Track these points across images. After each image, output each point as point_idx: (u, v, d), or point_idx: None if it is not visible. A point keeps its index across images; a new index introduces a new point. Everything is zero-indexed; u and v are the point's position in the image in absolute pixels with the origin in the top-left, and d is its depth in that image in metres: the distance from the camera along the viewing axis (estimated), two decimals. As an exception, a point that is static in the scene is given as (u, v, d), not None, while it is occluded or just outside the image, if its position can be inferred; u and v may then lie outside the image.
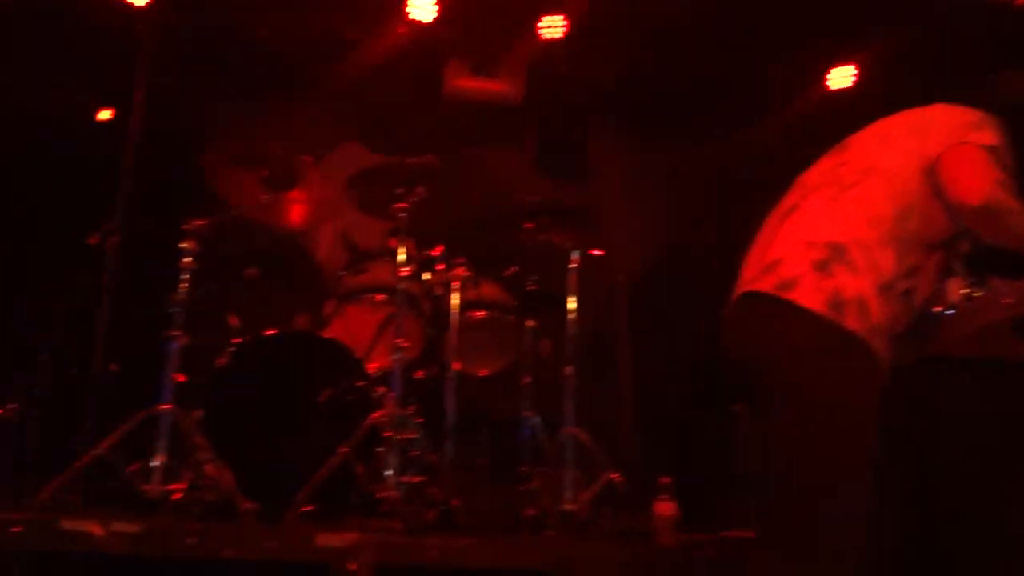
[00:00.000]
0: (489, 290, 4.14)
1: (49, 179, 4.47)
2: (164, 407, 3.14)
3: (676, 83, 5.41)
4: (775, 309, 2.14)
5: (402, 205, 3.62)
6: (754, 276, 2.23)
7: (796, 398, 2.11)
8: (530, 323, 4.06)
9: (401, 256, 3.59)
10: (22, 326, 3.88)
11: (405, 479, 3.17)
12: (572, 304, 3.96)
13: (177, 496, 3.04)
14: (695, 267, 5.29)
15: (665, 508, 3.36)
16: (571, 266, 3.99)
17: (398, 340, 3.46)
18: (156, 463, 3.07)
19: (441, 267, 4.06)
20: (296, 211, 3.99)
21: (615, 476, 3.63)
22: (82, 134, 4.57)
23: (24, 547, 2.58)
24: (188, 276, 3.35)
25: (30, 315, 3.93)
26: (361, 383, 3.42)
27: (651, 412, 5.31)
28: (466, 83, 5.44)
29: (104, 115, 4.15)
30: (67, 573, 2.96)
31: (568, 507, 3.54)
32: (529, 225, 4.01)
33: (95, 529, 2.52)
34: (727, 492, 4.10)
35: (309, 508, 3.03)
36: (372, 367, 3.57)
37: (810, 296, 2.09)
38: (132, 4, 4.51)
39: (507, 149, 5.77)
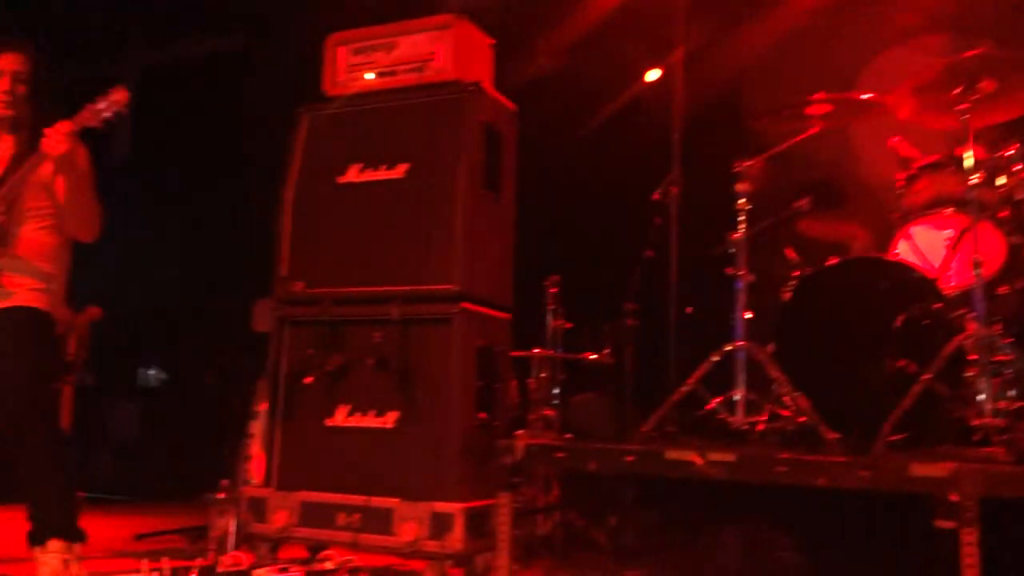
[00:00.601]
0: (1083, 185, 3.56)
1: (613, 142, 4.94)
2: (738, 344, 3.31)
3: None
4: None
5: (963, 106, 3.29)
6: None
7: None
8: None
9: (968, 162, 3.27)
10: (606, 282, 4.36)
11: (1003, 405, 2.90)
12: None
13: (760, 427, 3.20)
14: None
15: None
16: None
17: (975, 255, 3.17)
18: (737, 397, 3.26)
19: (1018, 167, 3.60)
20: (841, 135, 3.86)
21: None
22: (632, 99, 4.96)
23: (634, 472, 2.94)
24: (744, 216, 3.46)
25: (611, 270, 4.40)
26: (937, 305, 3.20)
27: None
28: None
29: (652, 75, 4.43)
30: (665, 494, 3.31)
31: None
32: None
33: (695, 458, 2.76)
34: None
35: (897, 438, 2.95)
36: (947, 287, 3.33)
37: None
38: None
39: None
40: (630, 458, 2.89)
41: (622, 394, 3.97)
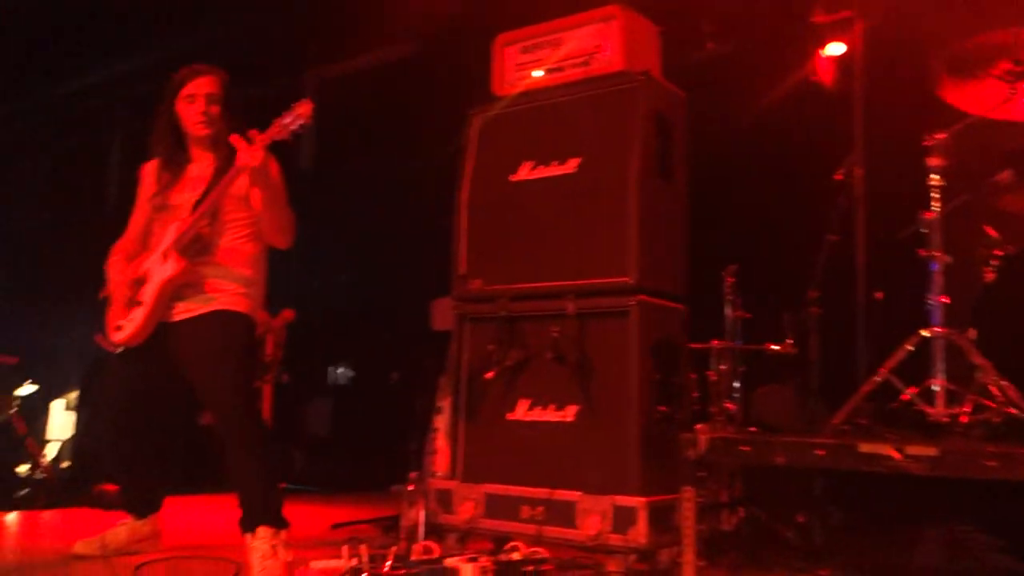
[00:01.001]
0: None
1: (791, 122, 4.76)
2: (935, 330, 3.11)
3: None
4: None
5: None
6: None
7: None
8: None
9: None
10: (788, 269, 4.20)
11: None
12: None
13: (963, 419, 2.99)
14: None
15: None
16: None
17: None
18: (936, 386, 3.06)
19: None
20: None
21: None
22: (809, 75, 4.76)
23: (824, 466, 2.81)
24: (938, 193, 3.25)
25: (793, 256, 4.24)
26: None
27: None
28: None
29: (833, 49, 4.20)
30: (854, 489, 3.15)
31: None
32: None
33: (893, 452, 2.62)
34: None
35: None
36: None
37: None
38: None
39: None
40: (821, 452, 2.77)
41: (807, 385, 3.82)
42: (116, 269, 3.55)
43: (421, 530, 3.44)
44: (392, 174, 7.11)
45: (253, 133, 3.22)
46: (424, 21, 6.42)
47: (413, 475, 3.70)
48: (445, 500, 3.65)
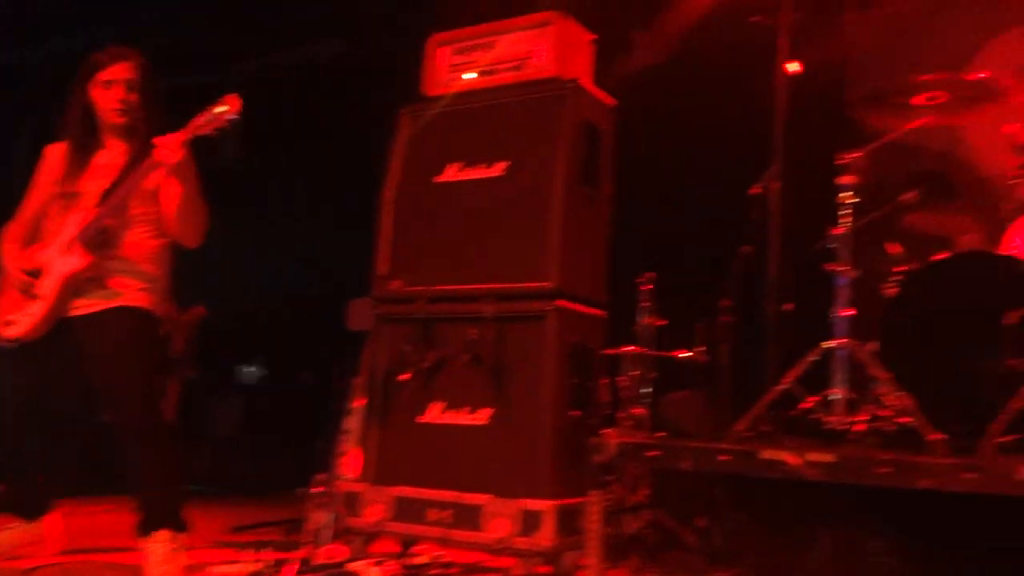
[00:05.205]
0: None
1: (712, 136, 4.86)
2: (838, 341, 3.20)
3: None
4: None
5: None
6: None
7: None
8: None
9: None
10: (702, 278, 4.27)
11: None
12: None
13: (859, 427, 3.08)
14: None
15: None
16: None
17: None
18: (835, 396, 3.15)
19: None
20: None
21: None
22: (732, 91, 4.85)
23: (728, 472, 2.87)
24: (848, 210, 3.35)
25: (705, 266, 4.32)
26: (1053, 301, 3.03)
27: None
28: None
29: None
30: (756, 494, 3.22)
31: None
32: None
33: (792, 459, 2.68)
34: None
35: (1006, 439, 2.80)
36: (1066, 283, 3.15)
37: None
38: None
39: None
40: (725, 457, 2.83)
41: (716, 392, 3.89)
42: (10, 257, 3.38)
43: (327, 533, 3.39)
44: (313, 171, 7.02)
45: (176, 134, 3.10)
46: (355, 17, 6.37)
47: (321, 477, 3.64)
48: (353, 503, 3.60)
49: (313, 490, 3.58)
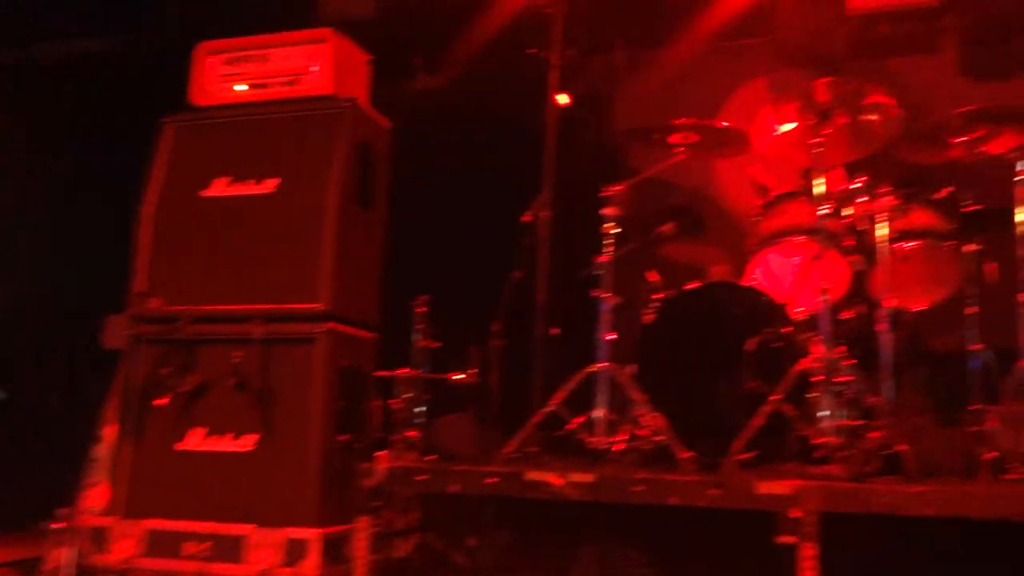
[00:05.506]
0: (920, 217, 3.80)
1: (484, 164, 4.98)
2: (600, 365, 3.36)
3: None
4: None
5: (815, 140, 3.47)
6: None
7: None
8: (971, 247, 3.68)
9: (818, 192, 3.44)
10: (474, 302, 4.35)
11: (842, 424, 3.04)
12: (1022, 219, 3.49)
13: (618, 447, 3.25)
14: None
15: None
16: (1018, 177, 3.51)
17: (822, 282, 3.33)
18: (597, 417, 3.31)
19: (864, 199, 3.81)
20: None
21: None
22: (505, 119, 5.00)
23: (494, 494, 2.94)
24: (611, 239, 3.54)
25: (481, 290, 4.40)
26: (787, 329, 3.34)
27: None
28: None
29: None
30: (524, 513, 3.31)
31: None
32: (960, 138, 3.61)
33: (554, 479, 2.78)
34: None
35: (746, 456, 3.05)
36: (796, 312, 3.48)
37: None
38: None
39: (919, 58, 5.22)
40: (491, 479, 2.89)
41: (486, 415, 3.96)
42: None
43: (67, 573, 3.12)
44: (69, 176, 6.50)
45: None
46: (119, 16, 6.01)
47: (63, 511, 3.36)
48: (100, 538, 3.35)
49: (54, 525, 3.29)
